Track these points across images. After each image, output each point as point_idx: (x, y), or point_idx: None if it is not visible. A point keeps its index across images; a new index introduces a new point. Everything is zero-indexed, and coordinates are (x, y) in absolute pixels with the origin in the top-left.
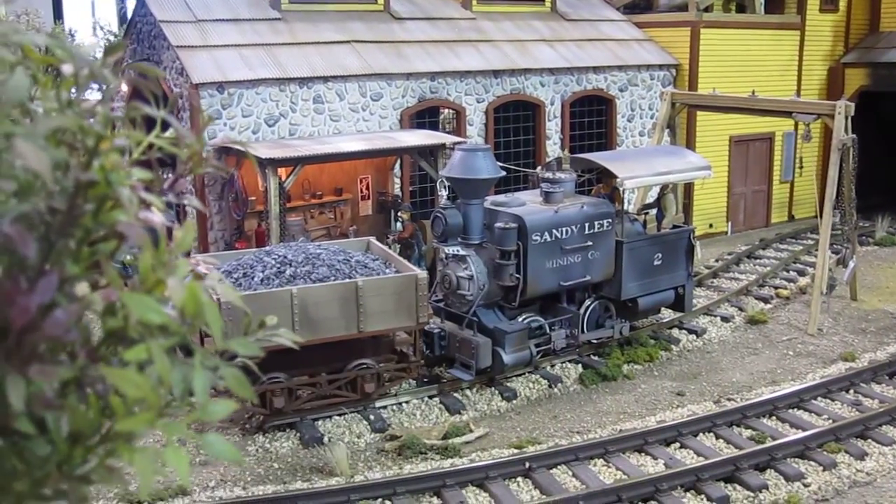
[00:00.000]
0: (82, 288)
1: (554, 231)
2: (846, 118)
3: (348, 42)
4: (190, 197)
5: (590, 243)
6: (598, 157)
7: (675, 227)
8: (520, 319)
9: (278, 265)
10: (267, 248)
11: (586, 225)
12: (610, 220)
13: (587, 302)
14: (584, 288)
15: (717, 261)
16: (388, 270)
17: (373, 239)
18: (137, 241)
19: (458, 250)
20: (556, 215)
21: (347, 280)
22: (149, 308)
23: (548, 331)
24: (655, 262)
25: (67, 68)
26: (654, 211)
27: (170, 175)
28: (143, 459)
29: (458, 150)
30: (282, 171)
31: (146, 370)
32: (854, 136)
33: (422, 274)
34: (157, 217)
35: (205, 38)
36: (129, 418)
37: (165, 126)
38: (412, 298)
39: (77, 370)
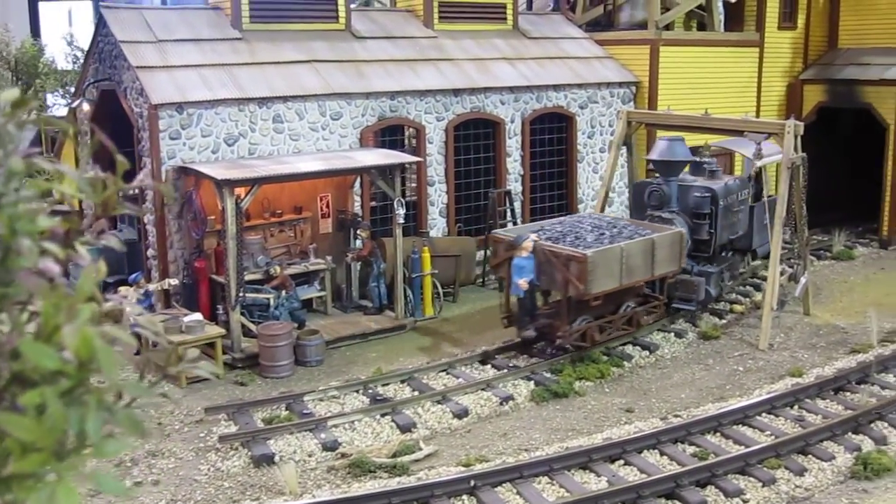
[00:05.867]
0: None
1: (728, 198)
2: (795, 137)
3: (308, 62)
4: (108, 236)
5: (742, 207)
6: (727, 144)
7: (769, 196)
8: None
9: (596, 231)
10: (559, 220)
11: (738, 194)
12: (747, 191)
13: (728, 254)
14: (731, 242)
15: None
16: (644, 231)
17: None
18: (34, 289)
19: (667, 214)
20: (727, 186)
21: (648, 236)
22: (44, 354)
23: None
24: (765, 222)
25: None
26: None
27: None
28: (38, 497)
29: (661, 140)
30: (240, 191)
31: (46, 412)
32: (804, 154)
33: (684, 230)
34: (55, 267)
35: (165, 58)
36: (25, 459)
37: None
38: (678, 250)
39: None
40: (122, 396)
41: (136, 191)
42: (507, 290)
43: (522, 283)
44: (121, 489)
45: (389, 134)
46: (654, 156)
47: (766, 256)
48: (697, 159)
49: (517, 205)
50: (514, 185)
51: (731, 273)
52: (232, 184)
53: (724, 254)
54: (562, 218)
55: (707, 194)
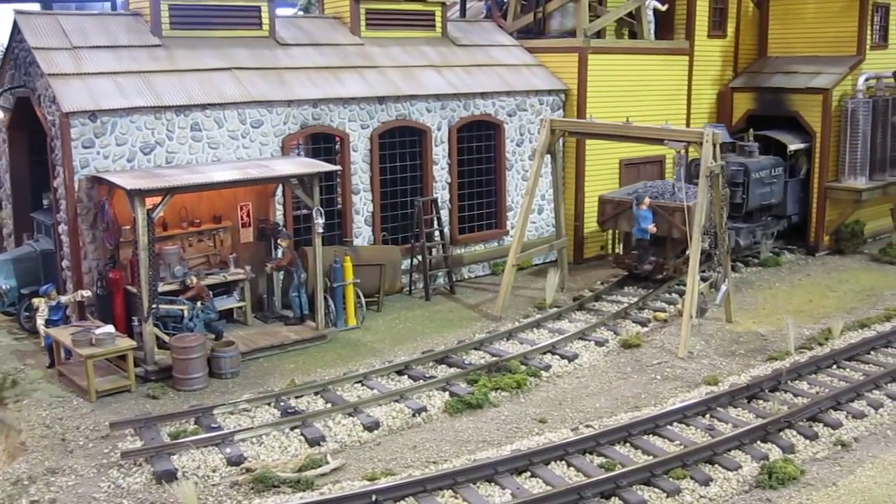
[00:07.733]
0: None
1: (760, 172)
2: (714, 146)
3: (229, 69)
4: None
5: (776, 181)
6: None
7: (802, 175)
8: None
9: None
10: (647, 184)
11: (771, 170)
12: (781, 168)
13: (765, 217)
14: (767, 207)
15: (602, 283)
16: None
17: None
18: None
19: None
20: (760, 163)
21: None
22: None
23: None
24: (800, 195)
25: None
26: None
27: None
28: None
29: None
30: (154, 200)
31: None
32: (723, 163)
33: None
34: None
35: (79, 65)
36: None
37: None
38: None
39: None
40: None
41: (52, 199)
42: (615, 237)
43: (652, 227)
44: None
45: (313, 142)
46: None
47: (798, 224)
48: (735, 142)
49: (444, 213)
50: (442, 193)
51: (764, 232)
52: (143, 193)
53: (758, 216)
54: (648, 182)
55: (741, 168)
